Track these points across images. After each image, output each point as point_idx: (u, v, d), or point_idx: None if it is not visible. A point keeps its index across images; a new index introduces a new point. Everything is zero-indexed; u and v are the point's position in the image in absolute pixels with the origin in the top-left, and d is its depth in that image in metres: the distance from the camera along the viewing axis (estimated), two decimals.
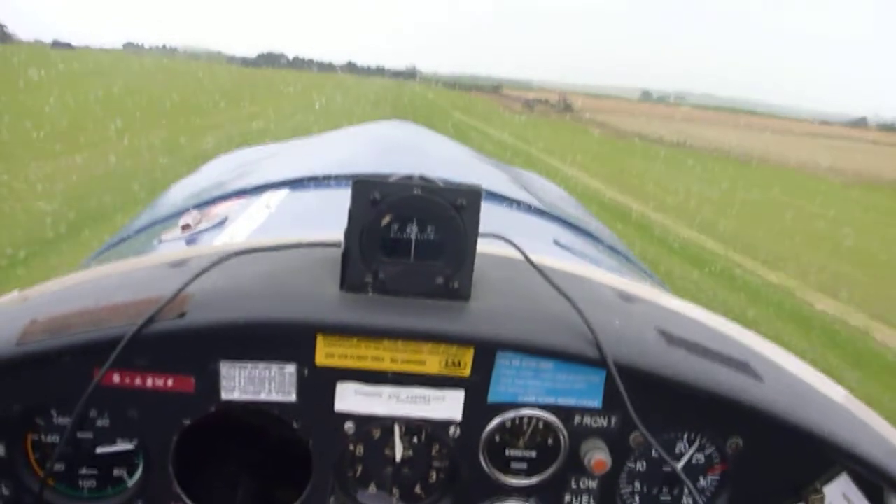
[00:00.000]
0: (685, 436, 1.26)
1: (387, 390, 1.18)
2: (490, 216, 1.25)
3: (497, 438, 1.24)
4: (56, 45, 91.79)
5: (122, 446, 1.20)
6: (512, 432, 1.24)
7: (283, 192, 2.33)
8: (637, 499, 1.30)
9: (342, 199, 1.22)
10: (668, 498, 1.30)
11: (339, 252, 1.20)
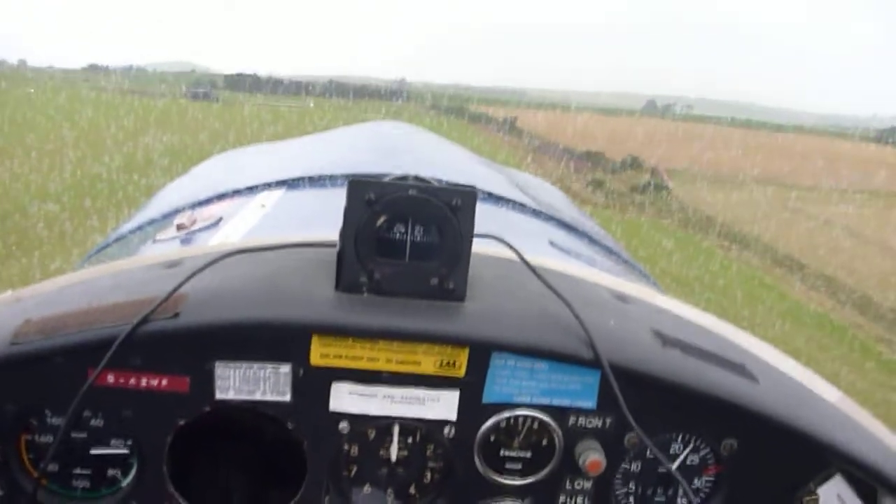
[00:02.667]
0: (680, 437, 1.26)
1: (382, 390, 1.18)
2: (485, 217, 1.25)
3: (492, 438, 1.24)
4: None
5: (116, 446, 1.20)
6: (507, 432, 1.24)
7: (278, 192, 2.32)
8: (632, 499, 1.30)
9: (337, 199, 1.22)
10: (663, 499, 1.30)
11: (334, 252, 1.20)
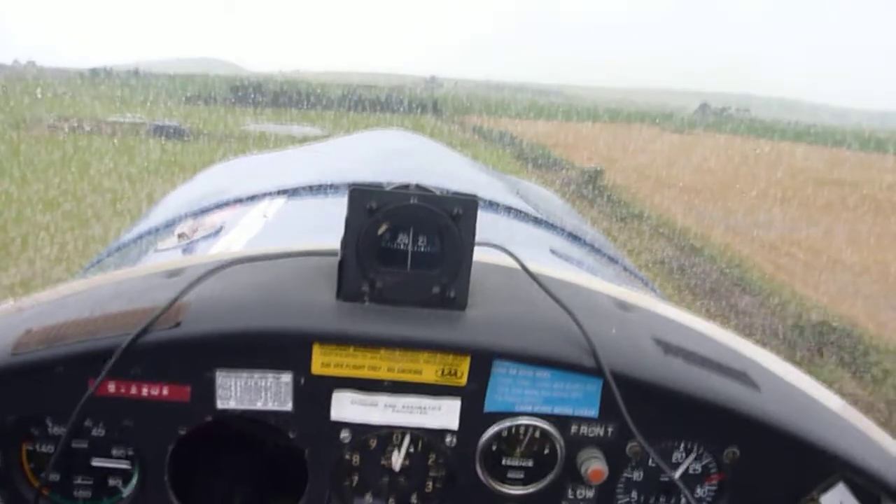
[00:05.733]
0: (682, 445, 1.26)
1: (383, 399, 1.18)
2: (486, 225, 1.25)
3: (494, 447, 1.24)
4: None
5: (118, 456, 1.20)
6: (508, 441, 1.24)
7: (280, 201, 2.33)
8: None
9: (339, 207, 1.22)
10: None
11: (335, 261, 1.20)
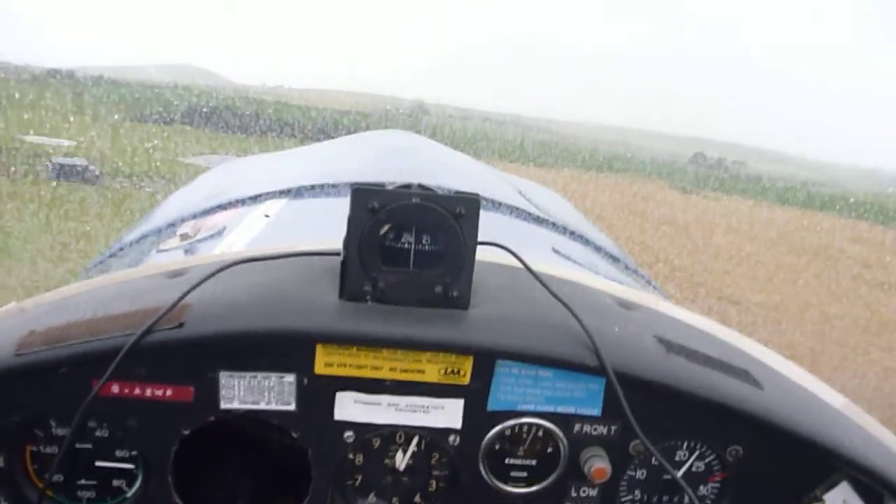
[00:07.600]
0: (685, 443, 1.26)
1: (386, 399, 1.18)
2: (489, 224, 1.25)
3: (497, 447, 1.24)
4: None
5: (121, 457, 1.20)
6: (512, 440, 1.24)
7: (282, 201, 2.33)
8: None
9: (341, 207, 1.22)
10: None
11: (338, 261, 1.21)
